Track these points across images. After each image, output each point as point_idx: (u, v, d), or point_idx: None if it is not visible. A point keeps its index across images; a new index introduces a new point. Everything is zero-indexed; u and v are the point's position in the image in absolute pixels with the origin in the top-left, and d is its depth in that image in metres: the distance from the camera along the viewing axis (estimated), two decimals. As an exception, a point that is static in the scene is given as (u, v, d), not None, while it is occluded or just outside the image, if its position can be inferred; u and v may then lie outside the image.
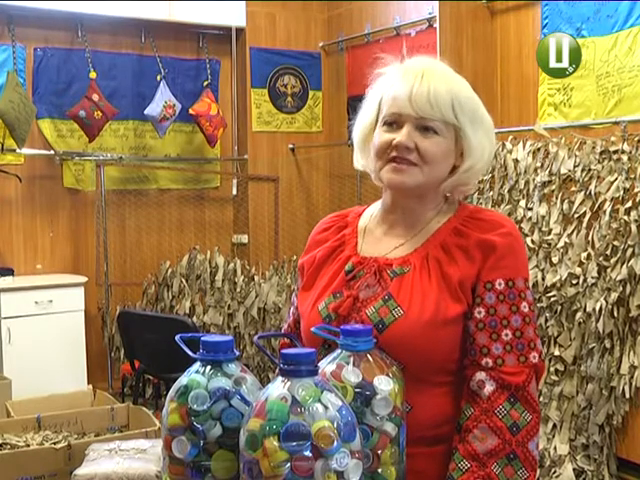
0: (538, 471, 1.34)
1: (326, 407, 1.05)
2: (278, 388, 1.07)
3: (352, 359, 1.19)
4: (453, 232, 1.38)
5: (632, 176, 3.47)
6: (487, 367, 1.30)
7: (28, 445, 2.61)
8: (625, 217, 3.44)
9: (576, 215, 3.69)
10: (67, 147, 5.18)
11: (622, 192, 3.48)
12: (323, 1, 5.84)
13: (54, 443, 2.57)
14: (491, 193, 4.06)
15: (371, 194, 4.80)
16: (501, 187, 4.03)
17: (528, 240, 3.79)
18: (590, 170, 3.64)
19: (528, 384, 1.30)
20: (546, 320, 3.75)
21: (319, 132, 5.96)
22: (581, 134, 3.77)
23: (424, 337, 1.30)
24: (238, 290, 4.95)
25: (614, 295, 3.45)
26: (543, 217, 3.82)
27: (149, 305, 5.10)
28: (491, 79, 4.47)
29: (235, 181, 5.76)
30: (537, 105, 4.25)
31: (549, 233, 3.78)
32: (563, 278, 3.67)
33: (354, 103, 5.53)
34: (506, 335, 1.31)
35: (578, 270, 3.63)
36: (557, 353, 3.71)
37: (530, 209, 3.88)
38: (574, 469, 3.62)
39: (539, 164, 3.86)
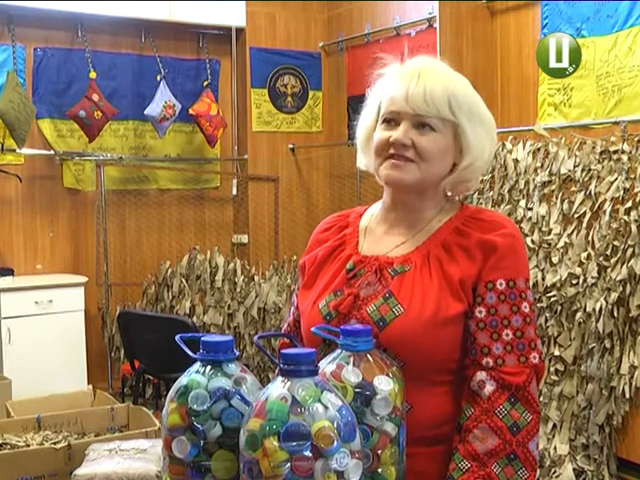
0: (538, 471, 1.34)
1: (326, 407, 1.05)
2: (278, 388, 1.07)
3: (352, 359, 1.19)
4: (454, 231, 1.38)
5: (632, 176, 3.47)
6: (488, 367, 1.30)
7: (28, 445, 2.61)
8: (625, 217, 3.45)
9: (576, 215, 3.69)
10: (67, 147, 5.18)
11: (622, 192, 3.48)
12: (323, 1, 5.84)
13: (54, 443, 2.57)
14: (491, 193, 4.06)
15: (371, 194, 4.80)
16: (501, 187, 4.03)
17: (528, 240, 3.79)
18: (590, 170, 3.64)
19: (528, 384, 1.30)
20: (546, 320, 3.75)
21: (319, 132, 5.96)
22: (581, 134, 3.77)
23: (425, 335, 1.30)
24: (238, 290, 4.95)
25: (614, 295, 3.45)
26: (543, 217, 3.82)
27: (149, 305, 5.10)
28: (491, 79, 4.47)
29: (235, 181, 5.76)
30: (537, 105, 4.25)
31: (549, 233, 3.78)
32: (563, 278, 3.67)
33: (354, 103, 5.53)
34: (507, 335, 1.31)
35: (578, 270, 3.63)
36: (557, 353, 3.71)
37: (530, 209, 3.88)
38: (574, 469, 3.62)
39: (539, 164, 3.86)
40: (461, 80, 1.40)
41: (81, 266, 5.27)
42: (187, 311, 4.91)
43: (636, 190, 3.44)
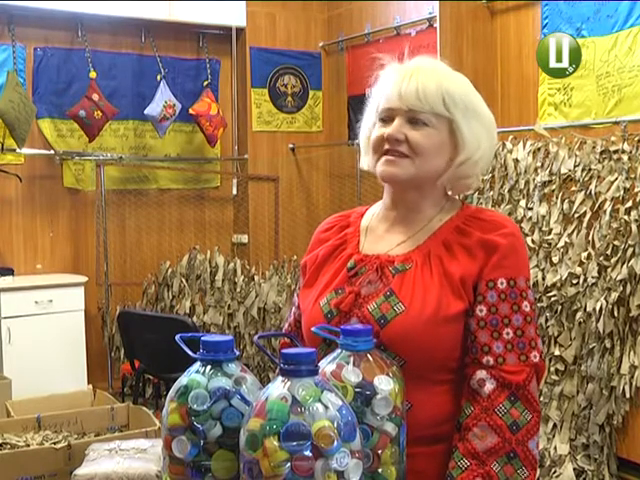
0: (538, 471, 1.34)
1: (326, 407, 1.05)
2: (278, 388, 1.07)
3: (352, 359, 1.19)
4: (455, 230, 1.38)
5: (632, 176, 3.47)
6: (488, 365, 1.30)
7: (28, 445, 2.61)
8: (625, 217, 3.44)
9: (576, 215, 3.69)
10: (67, 147, 5.18)
11: (622, 192, 3.48)
12: (323, 1, 5.84)
13: (54, 443, 2.57)
14: (491, 193, 4.06)
15: (371, 194, 4.80)
16: (501, 187, 4.03)
17: (528, 240, 3.79)
18: (590, 170, 3.64)
19: (528, 383, 1.30)
20: (546, 320, 3.75)
21: (319, 132, 5.96)
22: (581, 134, 3.77)
23: (425, 333, 1.30)
24: (238, 290, 4.95)
25: (614, 295, 3.45)
26: (543, 217, 3.82)
27: (149, 305, 5.10)
28: (491, 79, 4.47)
29: (235, 181, 5.76)
30: (537, 105, 4.25)
31: (549, 233, 3.78)
32: (563, 278, 3.67)
33: (354, 103, 5.53)
34: (507, 334, 1.31)
35: (578, 270, 3.63)
36: (557, 353, 3.71)
37: (530, 209, 3.88)
38: (574, 469, 3.62)
39: (539, 164, 3.86)
40: (459, 78, 1.40)
41: (81, 266, 5.27)
42: (187, 311, 4.91)
43: (636, 190, 3.44)
